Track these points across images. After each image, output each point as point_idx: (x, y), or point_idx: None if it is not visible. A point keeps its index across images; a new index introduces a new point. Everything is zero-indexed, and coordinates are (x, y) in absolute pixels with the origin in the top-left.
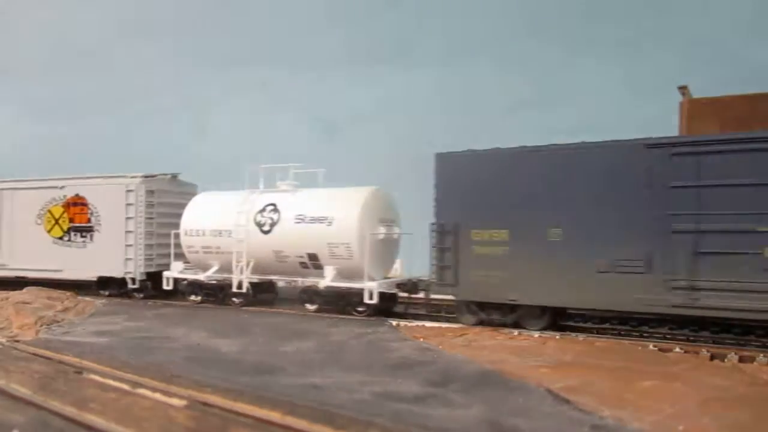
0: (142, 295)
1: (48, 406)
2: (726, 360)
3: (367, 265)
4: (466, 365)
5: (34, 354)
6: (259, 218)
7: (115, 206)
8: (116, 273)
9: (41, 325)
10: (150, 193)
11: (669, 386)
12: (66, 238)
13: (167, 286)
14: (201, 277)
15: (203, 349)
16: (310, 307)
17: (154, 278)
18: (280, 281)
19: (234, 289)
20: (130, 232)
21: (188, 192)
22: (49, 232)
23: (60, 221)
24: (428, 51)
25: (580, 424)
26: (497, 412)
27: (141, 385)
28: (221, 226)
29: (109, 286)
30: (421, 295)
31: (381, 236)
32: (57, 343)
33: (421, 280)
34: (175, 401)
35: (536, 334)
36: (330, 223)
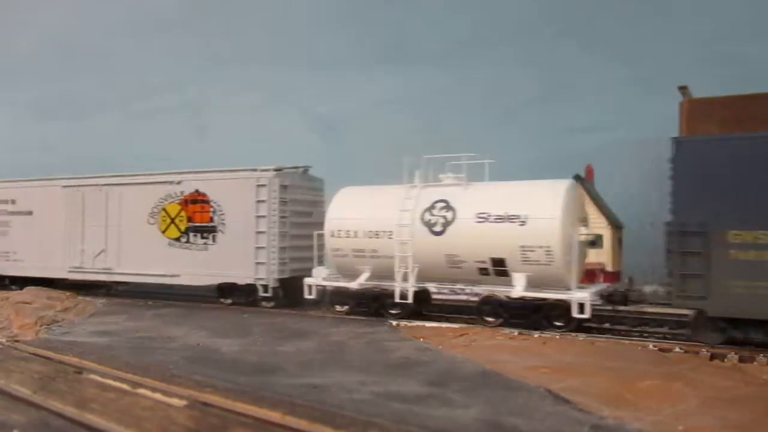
0: (272, 305)
1: (48, 406)
2: (726, 360)
3: (573, 272)
4: (466, 365)
5: (34, 354)
6: (427, 217)
7: (242, 203)
8: (244, 279)
9: (41, 325)
10: (283, 188)
11: (669, 386)
12: (184, 240)
13: (309, 294)
14: (353, 285)
15: (203, 349)
16: (491, 320)
17: (284, 285)
18: (438, 290)
19: (396, 299)
20: (261, 232)
21: (318, 188)
22: (163, 232)
23: (177, 220)
24: (429, 50)
25: (580, 424)
26: (497, 412)
27: (141, 385)
28: (379, 226)
29: (233, 294)
30: (628, 307)
31: (584, 238)
32: (57, 343)
33: (630, 290)
34: (175, 401)
35: (536, 334)
36: (523, 223)
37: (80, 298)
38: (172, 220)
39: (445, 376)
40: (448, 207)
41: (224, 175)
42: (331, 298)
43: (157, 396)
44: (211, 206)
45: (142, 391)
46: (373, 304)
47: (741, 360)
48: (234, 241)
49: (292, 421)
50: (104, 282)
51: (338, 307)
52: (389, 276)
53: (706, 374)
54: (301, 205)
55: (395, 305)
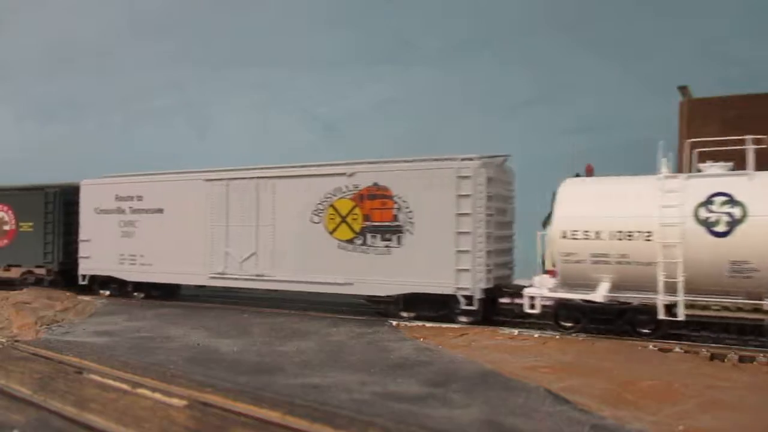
0: (470, 319)
1: (48, 406)
2: (726, 360)
3: None
4: (466, 365)
5: (34, 354)
6: (704, 214)
7: (437, 199)
8: (441, 288)
9: (41, 325)
10: (489, 181)
11: (669, 386)
12: (359, 242)
13: (531, 308)
14: (596, 297)
15: (203, 349)
16: None
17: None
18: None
19: (660, 315)
20: (464, 233)
21: (510, 181)
22: (332, 233)
23: (349, 219)
24: (428, 50)
25: (580, 424)
26: (497, 412)
27: (141, 385)
28: (632, 225)
29: (420, 306)
30: None
31: None
32: (57, 343)
33: None
34: (175, 401)
35: (536, 334)
36: None
37: (80, 298)
38: (343, 219)
39: (445, 376)
40: (732, 202)
41: (413, 165)
42: (559, 312)
43: (157, 396)
44: (395, 202)
45: (142, 391)
46: (617, 322)
47: (741, 360)
48: (425, 244)
49: (292, 421)
50: (253, 290)
51: (567, 324)
52: (636, 287)
53: (706, 374)
54: (500, 201)
55: (653, 323)
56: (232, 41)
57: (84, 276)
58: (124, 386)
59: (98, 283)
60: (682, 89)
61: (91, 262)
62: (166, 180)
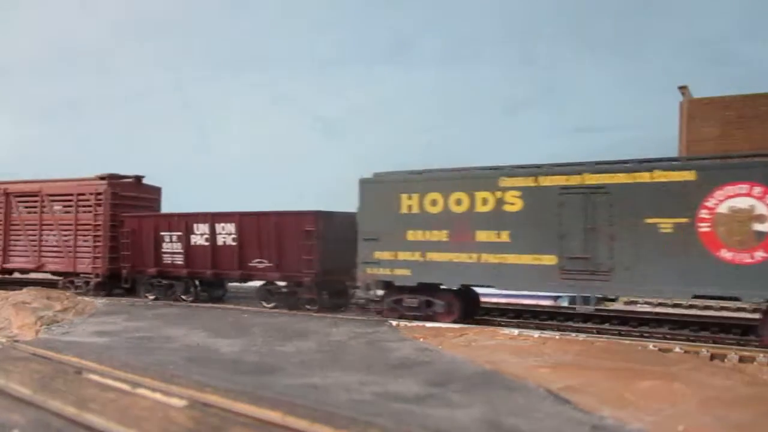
0: None
1: (48, 406)
2: (726, 360)
3: None
4: (466, 365)
5: (34, 354)
6: None
7: None
8: None
9: (41, 325)
10: None
11: (669, 386)
12: None
13: None
14: None
15: (203, 349)
16: None
17: None
18: None
19: None
20: None
21: None
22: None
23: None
24: (428, 51)
25: (580, 424)
26: (497, 412)
27: (141, 385)
28: None
29: None
30: None
31: None
32: (57, 343)
33: None
34: (175, 401)
35: (536, 334)
36: None
37: (80, 298)
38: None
39: (445, 376)
40: None
41: None
42: None
43: (157, 396)
44: None
45: (141, 391)
46: None
47: (741, 360)
48: None
49: (292, 421)
50: None
51: None
52: None
53: (706, 374)
54: None
55: None
56: (233, 41)
57: None
58: (124, 386)
59: None
60: (682, 89)
61: None
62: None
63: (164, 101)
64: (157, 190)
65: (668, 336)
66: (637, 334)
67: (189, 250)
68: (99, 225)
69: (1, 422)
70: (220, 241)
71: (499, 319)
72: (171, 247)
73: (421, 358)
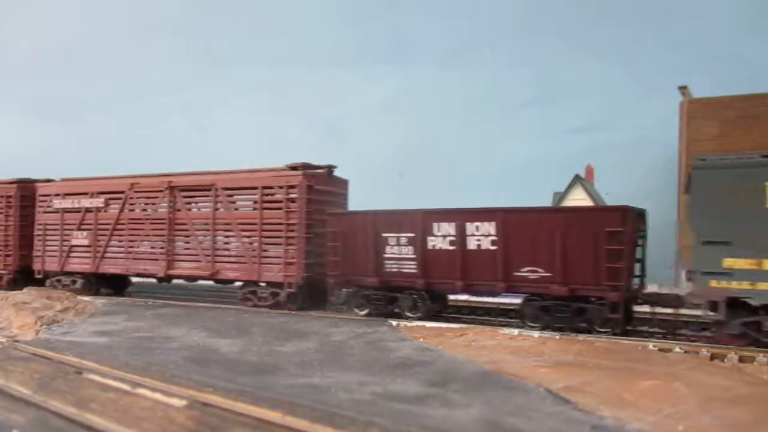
0: None
1: (48, 406)
2: (726, 360)
3: None
4: (466, 365)
5: (34, 354)
6: None
7: None
8: None
9: (41, 325)
10: None
11: (669, 386)
12: None
13: None
14: None
15: (203, 349)
16: None
17: None
18: None
19: None
20: None
21: None
22: None
23: None
24: (428, 50)
25: (580, 424)
26: (497, 412)
27: (141, 385)
28: None
29: None
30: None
31: None
32: (57, 343)
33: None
34: (175, 401)
35: (536, 334)
36: None
37: (80, 298)
38: None
39: (445, 376)
40: None
41: None
42: None
43: (157, 396)
44: None
45: (141, 391)
46: None
47: (741, 360)
48: None
49: (292, 421)
50: None
51: None
52: None
53: (706, 374)
54: None
55: None
56: (233, 41)
57: None
58: (124, 386)
59: None
60: (682, 89)
61: None
62: None
63: (164, 101)
64: (345, 184)
65: (668, 336)
66: (637, 334)
67: (425, 255)
68: (294, 224)
69: (1, 422)
70: (472, 244)
71: None
72: (398, 251)
73: (421, 358)
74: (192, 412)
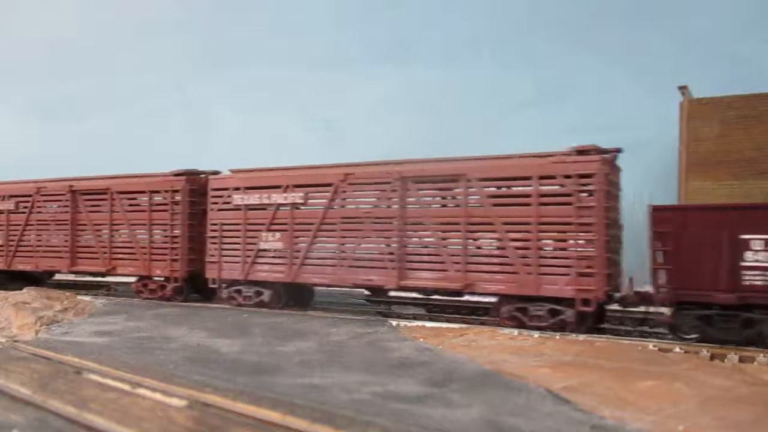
0: None
1: (48, 406)
2: (726, 360)
3: None
4: (466, 365)
5: (34, 354)
6: None
7: None
8: None
9: (41, 325)
10: None
11: (669, 386)
12: None
13: None
14: None
15: (203, 349)
16: None
17: None
18: None
19: None
20: None
21: None
22: None
23: None
24: (428, 50)
25: (580, 424)
26: (497, 412)
27: (141, 385)
28: None
29: None
30: None
31: None
32: (57, 343)
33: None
34: (175, 401)
35: (536, 334)
36: None
37: (80, 298)
38: None
39: (445, 376)
40: None
41: None
42: None
43: (157, 396)
44: None
45: (141, 391)
46: None
47: (741, 360)
48: None
49: (292, 421)
50: None
51: None
52: None
53: (706, 374)
54: None
55: None
56: (233, 41)
57: None
58: (124, 386)
59: None
60: (682, 89)
61: None
62: None
63: (164, 101)
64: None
65: (668, 336)
66: (637, 334)
67: None
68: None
69: (1, 422)
70: None
71: None
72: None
73: (421, 358)
74: (192, 412)
